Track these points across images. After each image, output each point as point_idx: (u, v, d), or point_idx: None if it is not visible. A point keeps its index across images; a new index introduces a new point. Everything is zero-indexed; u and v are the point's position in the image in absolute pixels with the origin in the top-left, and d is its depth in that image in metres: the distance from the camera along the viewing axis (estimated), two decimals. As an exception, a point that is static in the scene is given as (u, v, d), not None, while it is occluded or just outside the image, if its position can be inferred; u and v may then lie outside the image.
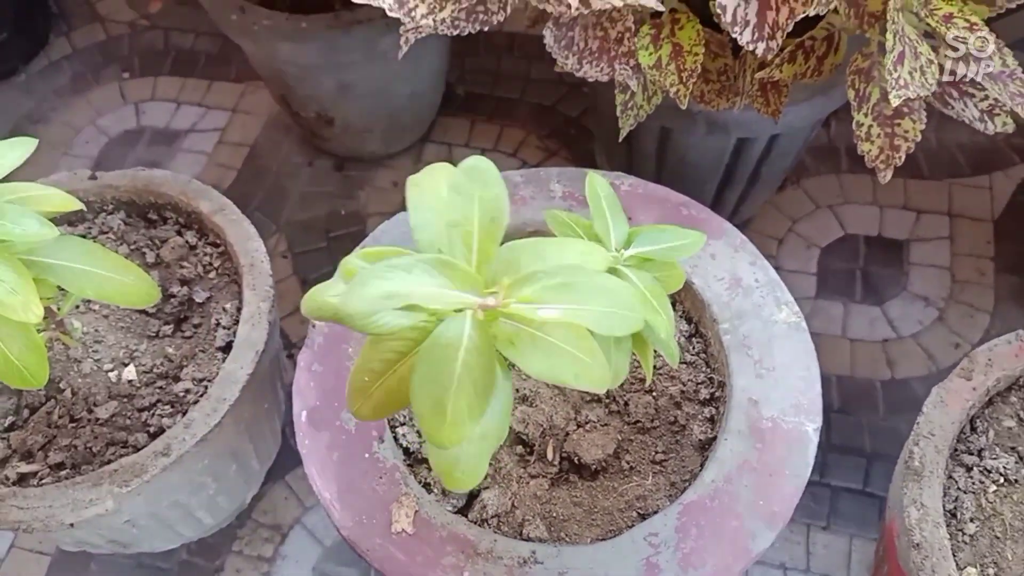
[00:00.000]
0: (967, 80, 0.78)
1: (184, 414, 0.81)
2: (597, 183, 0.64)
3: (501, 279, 0.51)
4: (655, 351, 0.62)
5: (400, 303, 0.46)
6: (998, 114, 0.78)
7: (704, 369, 0.75)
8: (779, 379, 0.69)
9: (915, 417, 1.09)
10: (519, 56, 1.46)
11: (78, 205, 0.72)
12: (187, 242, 0.92)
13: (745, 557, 0.62)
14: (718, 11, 0.71)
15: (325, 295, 0.55)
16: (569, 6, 0.72)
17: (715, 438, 0.70)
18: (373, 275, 0.47)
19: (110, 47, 1.54)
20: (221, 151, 1.39)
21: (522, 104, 1.41)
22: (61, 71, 1.51)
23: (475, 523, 0.67)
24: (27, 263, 0.67)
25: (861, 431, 1.08)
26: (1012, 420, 0.76)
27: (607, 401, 0.74)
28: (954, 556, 0.69)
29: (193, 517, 0.91)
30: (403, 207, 1.28)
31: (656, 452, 0.72)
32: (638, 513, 0.68)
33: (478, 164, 0.55)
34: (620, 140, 0.85)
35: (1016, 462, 0.73)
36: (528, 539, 0.66)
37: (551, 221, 0.65)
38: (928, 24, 0.73)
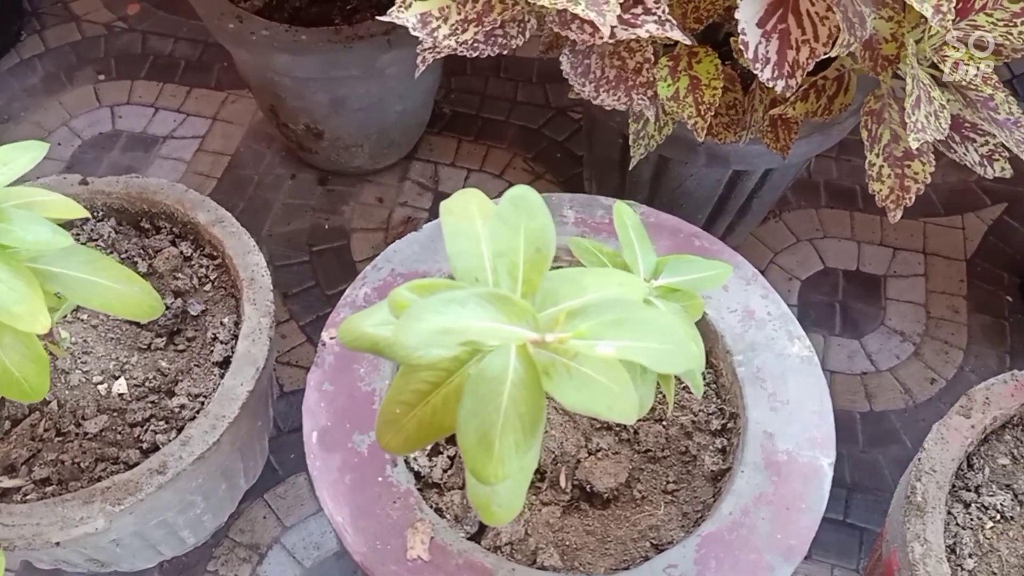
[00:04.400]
0: (969, 126, 0.81)
1: (179, 431, 0.78)
2: (624, 212, 0.64)
3: (551, 311, 0.50)
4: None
5: (458, 339, 0.45)
6: (997, 159, 0.81)
7: (715, 400, 0.75)
8: (794, 413, 0.70)
9: (894, 450, 1.12)
10: (506, 78, 1.47)
11: (83, 212, 0.70)
12: (182, 253, 0.90)
13: (761, 590, 0.62)
14: (740, 47, 0.72)
15: (363, 326, 0.54)
16: (593, 34, 0.73)
17: (727, 470, 0.70)
18: (427, 309, 0.46)
19: (85, 48, 1.50)
20: (200, 159, 1.36)
21: (508, 126, 1.41)
22: (33, 70, 1.46)
23: (489, 550, 0.66)
24: (32, 271, 0.64)
25: (842, 463, 1.10)
26: (1007, 458, 0.78)
27: (617, 429, 0.74)
28: (955, 591, 0.70)
29: (177, 536, 0.88)
30: (388, 224, 1.28)
31: (667, 482, 0.72)
32: (651, 543, 0.68)
33: (523, 194, 0.54)
34: (630, 168, 0.86)
35: (1012, 499, 0.75)
36: (542, 567, 0.66)
37: (575, 248, 0.65)
38: (939, 70, 0.75)
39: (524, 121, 1.42)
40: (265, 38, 1.05)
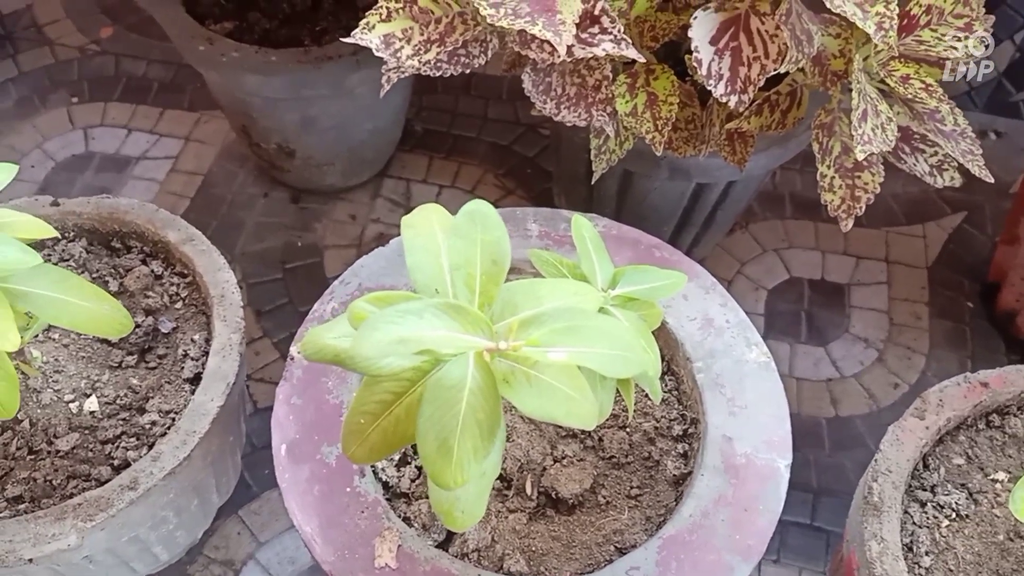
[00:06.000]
0: (918, 137, 0.84)
1: (150, 447, 0.79)
2: (583, 225, 0.66)
3: (507, 322, 0.52)
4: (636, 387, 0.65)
5: (413, 348, 0.47)
6: (946, 169, 0.83)
7: (676, 406, 0.77)
8: (751, 417, 0.71)
9: (859, 454, 1.14)
10: (476, 95, 1.49)
11: (52, 232, 0.71)
12: (152, 271, 0.91)
13: (721, 590, 0.64)
14: (694, 64, 0.75)
15: (326, 338, 0.55)
16: (552, 53, 0.75)
17: (689, 474, 0.72)
18: (384, 320, 0.47)
19: (58, 71, 1.51)
20: (174, 179, 1.37)
21: (479, 143, 1.43)
22: (6, 94, 1.47)
23: (456, 557, 0.67)
24: (1, 290, 0.65)
25: (808, 467, 1.12)
26: (961, 458, 0.80)
27: (582, 436, 0.76)
28: (912, 588, 0.72)
29: (150, 553, 0.89)
30: (361, 240, 1.30)
31: (631, 487, 0.73)
32: (615, 547, 0.70)
33: (479, 208, 0.56)
34: (592, 182, 0.88)
35: (967, 498, 0.77)
36: (509, 573, 0.67)
37: (536, 260, 0.67)
38: (887, 84, 0.78)
39: (495, 138, 1.44)
40: (235, 59, 1.07)
